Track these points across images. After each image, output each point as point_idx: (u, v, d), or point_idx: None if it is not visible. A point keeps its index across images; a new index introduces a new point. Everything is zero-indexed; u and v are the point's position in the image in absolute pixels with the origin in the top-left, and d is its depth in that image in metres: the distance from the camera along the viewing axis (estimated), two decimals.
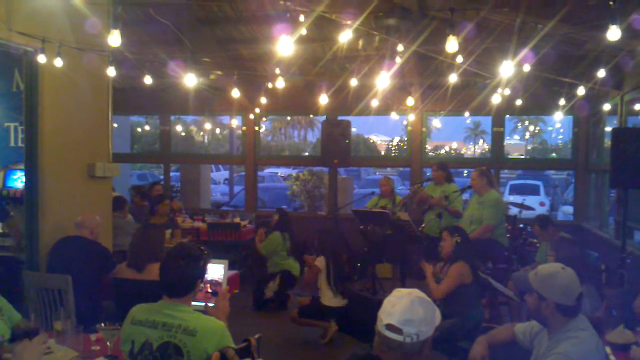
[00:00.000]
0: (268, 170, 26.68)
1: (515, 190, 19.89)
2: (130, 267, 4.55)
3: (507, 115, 10.79)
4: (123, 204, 7.21)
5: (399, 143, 41.31)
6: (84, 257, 4.87)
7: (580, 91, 7.50)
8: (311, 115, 28.29)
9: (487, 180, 7.01)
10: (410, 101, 9.08)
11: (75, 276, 4.51)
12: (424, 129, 10.40)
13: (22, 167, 5.73)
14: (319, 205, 14.57)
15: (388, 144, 48.72)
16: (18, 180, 6.73)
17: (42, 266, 5.22)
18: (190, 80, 6.34)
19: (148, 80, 7.72)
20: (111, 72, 5.96)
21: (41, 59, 5.11)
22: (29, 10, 5.10)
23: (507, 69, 5.67)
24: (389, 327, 2.24)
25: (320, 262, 6.28)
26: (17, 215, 6.15)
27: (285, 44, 4.49)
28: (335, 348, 6.18)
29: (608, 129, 8.86)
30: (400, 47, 6.70)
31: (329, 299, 6.21)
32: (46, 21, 5.28)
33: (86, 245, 4.97)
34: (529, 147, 55.77)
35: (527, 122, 54.29)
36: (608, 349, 3.40)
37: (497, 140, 10.24)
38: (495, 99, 8.08)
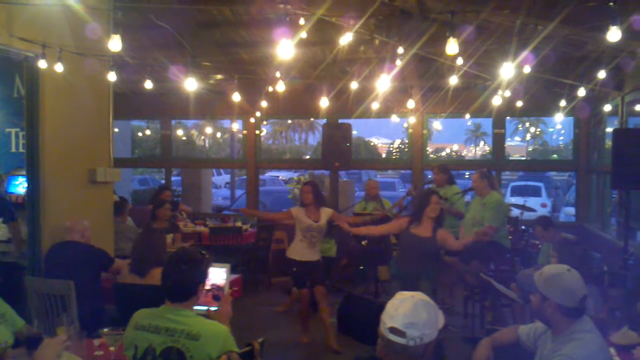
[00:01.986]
0: (269, 174, 26.70)
1: (516, 191, 19.90)
2: (133, 272, 4.55)
3: (508, 117, 10.78)
4: (123, 207, 7.19)
5: (400, 145, 41.36)
6: (79, 261, 4.89)
7: (581, 92, 7.49)
8: (312, 119, 28.36)
9: (488, 182, 7.01)
10: (410, 104, 9.07)
11: (73, 281, 4.52)
12: (424, 131, 10.39)
13: (24, 172, 5.74)
14: None
15: (389, 147, 48.80)
16: (20, 185, 6.75)
17: (44, 272, 5.22)
18: (190, 84, 6.35)
19: (149, 84, 7.72)
20: (112, 77, 5.97)
21: (42, 64, 5.12)
22: (29, 15, 5.11)
23: (507, 70, 5.66)
24: (393, 330, 2.24)
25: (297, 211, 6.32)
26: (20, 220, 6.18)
27: (285, 48, 4.49)
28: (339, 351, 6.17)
29: (609, 130, 8.85)
30: (400, 50, 6.70)
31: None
32: (47, 27, 5.29)
33: (79, 249, 4.99)
34: (530, 149, 55.80)
35: (527, 124, 54.36)
36: (612, 350, 3.40)
37: (498, 142, 10.24)
38: (496, 101, 8.08)
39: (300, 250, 6.27)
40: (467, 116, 10.39)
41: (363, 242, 8.07)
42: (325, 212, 6.29)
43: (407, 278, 5.45)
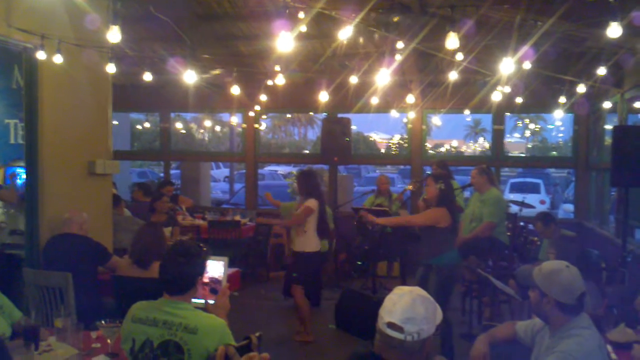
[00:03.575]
0: (268, 168, 26.69)
1: (515, 188, 19.90)
2: (134, 265, 4.54)
3: (507, 113, 10.77)
4: (118, 201, 7.21)
5: (399, 141, 41.26)
6: (77, 253, 4.89)
7: (581, 89, 7.48)
8: (311, 113, 28.31)
9: (488, 178, 7.00)
10: (410, 99, 9.05)
11: (71, 273, 4.51)
12: (424, 127, 10.38)
13: (23, 164, 5.72)
14: None
15: (388, 142, 48.67)
16: (18, 177, 6.73)
17: (42, 264, 5.22)
18: (189, 77, 6.34)
19: (148, 77, 7.70)
20: (111, 68, 5.95)
21: (41, 55, 5.10)
22: (28, 6, 5.09)
23: (507, 66, 5.66)
24: (390, 325, 2.23)
25: (313, 203, 6.13)
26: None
27: (284, 41, 4.47)
28: (336, 346, 6.18)
29: (608, 127, 8.84)
30: (400, 44, 6.68)
31: (315, 244, 6.19)
32: (45, 17, 5.27)
33: (78, 242, 4.99)
34: (529, 145, 55.72)
35: (527, 120, 54.19)
36: (609, 348, 3.40)
37: (498, 138, 10.23)
38: (496, 97, 8.06)
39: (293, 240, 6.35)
40: (467, 112, 10.37)
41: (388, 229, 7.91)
42: (308, 203, 6.19)
43: (423, 266, 5.55)
